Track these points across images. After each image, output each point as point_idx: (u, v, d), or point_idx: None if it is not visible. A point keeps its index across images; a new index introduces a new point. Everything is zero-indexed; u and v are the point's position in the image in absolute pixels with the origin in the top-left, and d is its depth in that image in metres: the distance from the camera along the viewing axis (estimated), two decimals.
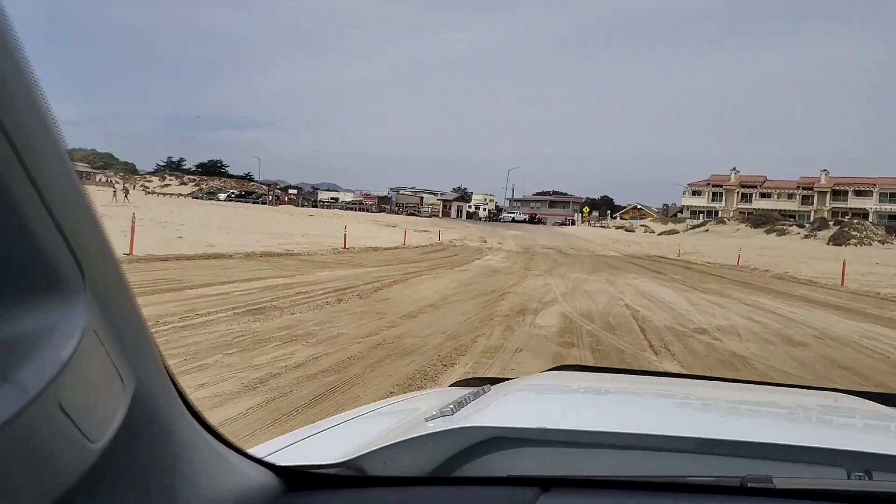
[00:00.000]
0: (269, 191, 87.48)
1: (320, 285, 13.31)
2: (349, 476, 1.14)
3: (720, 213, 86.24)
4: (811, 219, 76.68)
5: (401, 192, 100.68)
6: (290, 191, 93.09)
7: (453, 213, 79.04)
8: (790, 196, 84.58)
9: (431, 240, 46.07)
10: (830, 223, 60.53)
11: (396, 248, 34.12)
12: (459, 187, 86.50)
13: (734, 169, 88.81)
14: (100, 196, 54.57)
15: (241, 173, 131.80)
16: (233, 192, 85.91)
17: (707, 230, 61.81)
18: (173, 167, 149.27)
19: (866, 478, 1.13)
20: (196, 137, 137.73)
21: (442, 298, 12.89)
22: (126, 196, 53.65)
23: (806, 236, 58.17)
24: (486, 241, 48.97)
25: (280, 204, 76.53)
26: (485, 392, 1.70)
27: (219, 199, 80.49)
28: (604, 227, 76.43)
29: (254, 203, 77.45)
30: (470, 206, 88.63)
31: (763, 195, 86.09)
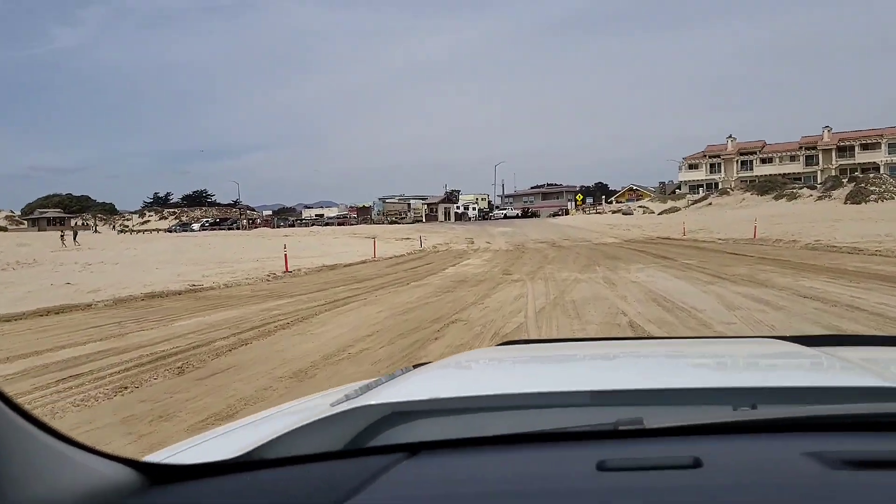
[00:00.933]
0: (241, 216, 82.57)
1: (151, 348, 8.47)
2: (222, 464, 1.10)
3: (720, 184, 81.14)
4: (818, 180, 71.67)
5: (387, 200, 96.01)
6: (265, 213, 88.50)
7: (440, 215, 74.07)
8: (793, 158, 79.19)
9: (413, 248, 41.45)
10: (844, 181, 55.60)
11: (363, 262, 29.33)
12: (446, 189, 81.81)
13: (730, 137, 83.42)
14: (48, 242, 49.87)
15: (229, 201, 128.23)
16: (206, 221, 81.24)
17: (710, 203, 56.81)
18: (161, 202, 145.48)
19: (751, 410, 1.14)
20: (189, 171, 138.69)
21: (340, 349, 8.07)
22: (75, 239, 48.85)
23: (819, 198, 53.28)
24: (472, 243, 44.42)
25: (254, 227, 71.82)
26: (402, 373, 1.71)
27: (192, 230, 75.95)
28: (599, 213, 71.30)
29: (228, 229, 72.80)
30: (458, 207, 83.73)
31: (764, 160, 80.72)
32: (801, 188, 58.36)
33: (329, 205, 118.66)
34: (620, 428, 1.03)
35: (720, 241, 30.91)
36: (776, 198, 55.89)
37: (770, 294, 11.45)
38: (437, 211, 74.91)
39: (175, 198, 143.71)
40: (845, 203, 49.61)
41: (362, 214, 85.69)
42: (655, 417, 1.05)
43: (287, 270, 22.45)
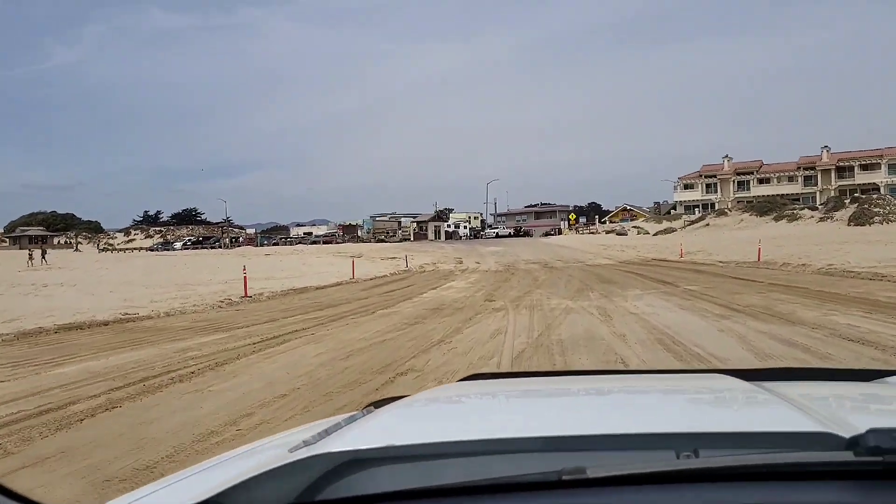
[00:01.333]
0: (223, 234, 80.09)
1: None
2: None
3: (717, 204, 79.26)
4: (817, 200, 69.86)
5: (377, 218, 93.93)
6: (248, 231, 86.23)
7: (430, 234, 71.73)
8: (791, 178, 77.34)
9: (398, 268, 39.41)
10: (846, 202, 53.73)
11: (338, 284, 27.17)
12: (436, 206, 79.47)
13: (727, 157, 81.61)
14: (19, 261, 47.40)
15: (220, 219, 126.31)
16: (189, 240, 78.81)
17: (707, 224, 54.76)
18: (150, 220, 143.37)
19: (693, 457, 1.14)
20: (184, 189, 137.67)
21: (230, 421, 5.85)
22: (43, 258, 46.52)
23: (822, 219, 51.35)
24: (461, 263, 42.43)
25: (237, 246, 69.46)
26: (363, 415, 1.69)
27: (174, 249, 73.63)
28: (593, 233, 69.22)
29: (210, 248, 70.44)
30: (449, 226, 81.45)
31: (761, 181, 78.82)
32: (801, 209, 56.44)
33: (322, 223, 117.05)
34: (564, 478, 1.04)
35: (721, 265, 28.85)
36: (776, 219, 53.94)
37: (802, 335, 9.28)
38: (427, 229, 72.48)
39: (165, 216, 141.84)
40: (849, 224, 47.71)
41: (350, 232, 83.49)
42: (602, 464, 1.06)
43: (246, 295, 20.20)
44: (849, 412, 1.59)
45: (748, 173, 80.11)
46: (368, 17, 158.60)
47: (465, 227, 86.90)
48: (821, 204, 61.11)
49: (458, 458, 1.26)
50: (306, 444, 1.42)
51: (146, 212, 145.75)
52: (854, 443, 1.03)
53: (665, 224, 65.62)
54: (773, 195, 71.61)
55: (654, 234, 57.88)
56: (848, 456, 1.02)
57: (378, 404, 1.88)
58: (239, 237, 75.66)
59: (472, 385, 2.15)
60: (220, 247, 69.52)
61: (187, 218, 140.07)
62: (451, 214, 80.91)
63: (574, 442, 1.27)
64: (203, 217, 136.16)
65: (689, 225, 58.23)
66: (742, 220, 54.82)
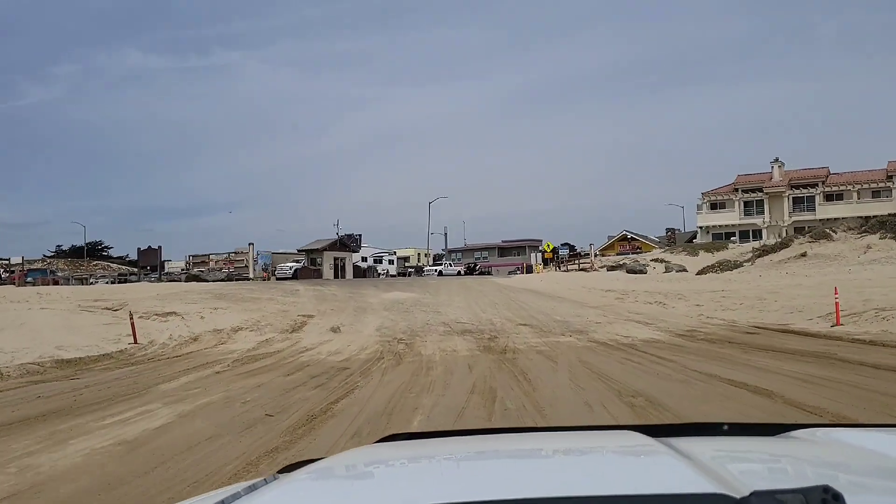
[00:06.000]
0: None
1: None
2: None
3: (765, 231, 54.71)
4: None
5: (276, 252, 67.55)
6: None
7: (325, 268, 46.33)
8: (875, 193, 53.42)
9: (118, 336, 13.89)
10: None
11: None
12: (338, 229, 53.09)
13: (776, 161, 57.59)
14: None
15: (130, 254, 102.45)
16: None
17: (804, 254, 30.30)
18: (63, 254, 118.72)
19: None
20: (152, 229, 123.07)
21: None
22: None
23: None
24: (302, 328, 17.78)
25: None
26: (266, 482, 1.66)
27: None
28: (584, 269, 43.87)
29: None
30: (365, 260, 56.01)
31: (829, 196, 54.97)
32: None
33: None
34: None
35: None
36: None
37: None
38: (320, 263, 47.11)
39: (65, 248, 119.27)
40: None
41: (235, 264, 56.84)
42: None
43: None
44: (743, 470, 1.59)
45: (811, 186, 55.68)
46: (347, 62, 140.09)
47: (390, 262, 61.17)
48: None
49: None
50: None
51: (59, 246, 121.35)
52: None
53: (704, 256, 40.98)
54: (850, 217, 46.84)
55: (698, 274, 32.70)
56: None
57: (289, 468, 1.87)
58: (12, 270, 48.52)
59: (389, 447, 2.19)
60: None
61: (91, 252, 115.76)
62: (360, 240, 54.95)
63: None
64: (109, 252, 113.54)
65: (760, 256, 33.56)
66: (869, 246, 30.04)
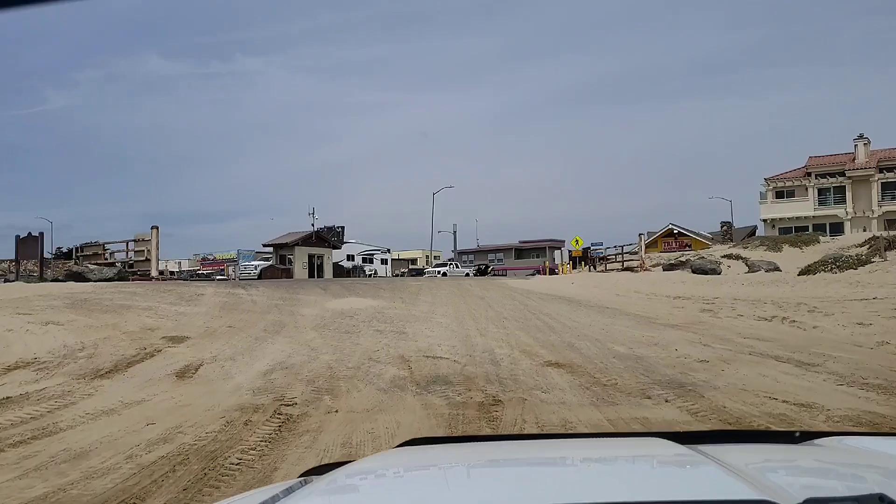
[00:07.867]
0: None
1: None
2: None
3: (848, 223, 44.25)
4: None
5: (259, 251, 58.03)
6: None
7: (298, 267, 36.78)
8: None
9: None
10: None
11: None
12: (314, 219, 42.46)
13: (861, 137, 47.18)
14: None
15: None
16: None
17: None
18: (63, 256, 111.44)
19: None
20: (173, 234, 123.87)
21: None
22: None
23: None
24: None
25: None
26: (301, 485, 1.68)
27: None
28: (631, 269, 33.61)
29: None
30: (351, 259, 46.32)
31: None
32: None
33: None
34: None
35: None
36: None
37: None
38: (291, 262, 37.38)
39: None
40: None
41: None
42: None
43: None
44: (783, 477, 1.58)
45: None
46: (365, 68, 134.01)
47: (383, 262, 51.54)
48: None
49: None
50: None
51: (59, 248, 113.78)
52: None
53: (791, 252, 30.96)
54: None
55: (799, 275, 22.65)
56: None
57: (316, 471, 1.88)
58: None
59: (412, 452, 2.16)
60: None
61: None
62: (343, 233, 44.90)
63: None
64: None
65: (889, 247, 23.60)
66: None
